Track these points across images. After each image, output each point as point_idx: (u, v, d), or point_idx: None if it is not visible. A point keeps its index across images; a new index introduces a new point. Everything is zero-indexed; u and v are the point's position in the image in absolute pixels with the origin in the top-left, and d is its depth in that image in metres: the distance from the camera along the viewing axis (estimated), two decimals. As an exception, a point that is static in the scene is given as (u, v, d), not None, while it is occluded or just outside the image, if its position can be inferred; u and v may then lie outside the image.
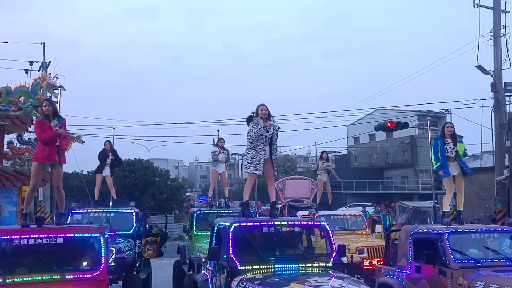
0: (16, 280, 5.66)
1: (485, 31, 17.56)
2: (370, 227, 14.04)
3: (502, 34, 17.36)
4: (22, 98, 12.51)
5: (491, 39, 17.44)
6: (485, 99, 18.53)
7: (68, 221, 10.45)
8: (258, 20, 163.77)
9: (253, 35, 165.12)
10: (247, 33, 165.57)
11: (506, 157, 17.33)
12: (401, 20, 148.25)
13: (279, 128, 7.61)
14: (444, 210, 8.22)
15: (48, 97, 15.14)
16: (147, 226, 12.44)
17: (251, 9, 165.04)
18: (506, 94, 17.39)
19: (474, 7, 17.59)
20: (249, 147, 7.41)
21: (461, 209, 8.14)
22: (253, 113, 7.52)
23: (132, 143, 43.51)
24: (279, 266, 6.31)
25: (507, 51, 17.30)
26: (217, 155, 13.11)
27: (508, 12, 17.65)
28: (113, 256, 8.58)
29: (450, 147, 8.01)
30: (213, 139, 14.09)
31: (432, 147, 8.25)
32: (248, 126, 7.47)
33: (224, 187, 13.64)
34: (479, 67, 17.27)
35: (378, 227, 15.28)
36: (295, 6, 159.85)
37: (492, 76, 17.25)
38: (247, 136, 7.46)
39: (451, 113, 22.75)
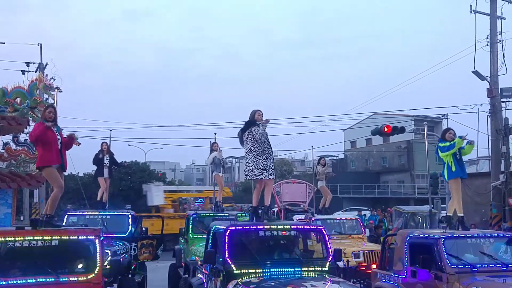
0: (10, 282, 5.63)
1: (481, 37, 17.68)
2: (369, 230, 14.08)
3: (498, 40, 17.44)
4: (18, 99, 12.45)
5: (487, 45, 17.53)
6: (481, 105, 18.64)
7: (64, 223, 10.45)
8: (256, 23, 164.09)
9: (251, 39, 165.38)
10: (246, 36, 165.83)
11: (501, 162, 17.39)
12: (398, 25, 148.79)
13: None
14: (460, 215, 8.07)
15: (45, 98, 15.11)
16: (143, 228, 12.40)
17: (249, 12, 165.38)
18: (502, 99, 17.46)
19: (471, 13, 17.68)
20: (258, 152, 7.42)
21: (456, 215, 8.12)
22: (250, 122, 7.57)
23: (129, 145, 43.51)
24: (275, 270, 6.30)
25: (504, 57, 17.41)
26: (218, 159, 13.19)
27: (504, 18, 17.74)
28: (108, 259, 8.54)
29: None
30: (210, 142, 14.04)
31: (438, 146, 8.15)
32: (250, 130, 7.47)
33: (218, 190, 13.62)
34: (476, 73, 17.34)
35: (367, 231, 15.31)
36: (294, 9, 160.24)
37: (488, 81, 17.33)
38: (254, 139, 7.45)
39: (447, 118, 22.87)
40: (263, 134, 7.45)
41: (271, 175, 7.48)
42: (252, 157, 7.46)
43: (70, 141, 7.01)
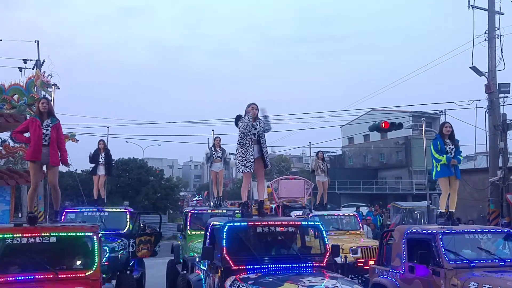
0: (8, 279, 5.64)
1: (479, 33, 17.63)
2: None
3: (496, 36, 17.41)
4: (16, 96, 12.46)
5: (485, 40, 17.48)
6: (479, 100, 18.57)
7: (62, 220, 10.45)
8: (253, 20, 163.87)
9: (248, 35, 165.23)
10: (243, 33, 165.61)
11: (499, 158, 17.39)
12: (396, 21, 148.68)
13: (267, 125, 7.52)
14: (441, 211, 8.20)
15: (42, 95, 15.07)
16: (141, 225, 12.40)
17: (245, 9, 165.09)
18: (500, 95, 17.42)
19: (469, 8, 17.62)
20: (238, 145, 7.42)
21: (453, 211, 8.11)
22: (240, 116, 7.53)
23: (127, 142, 43.45)
24: (273, 266, 6.30)
25: (502, 52, 17.36)
26: (208, 156, 13.20)
27: (502, 13, 17.68)
28: (106, 255, 8.55)
29: (450, 148, 8.01)
30: (208, 138, 14.05)
31: (432, 145, 8.22)
32: (237, 126, 7.48)
33: (219, 186, 13.59)
34: (474, 68, 17.31)
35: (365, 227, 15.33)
36: (291, 6, 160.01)
37: (486, 77, 17.30)
38: (239, 132, 7.46)
39: (445, 114, 22.86)
40: (246, 125, 7.27)
41: (248, 168, 7.28)
42: (236, 150, 7.50)
43: (58, 134, 6.91)
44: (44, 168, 7.02)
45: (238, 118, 7.48)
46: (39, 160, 6.70)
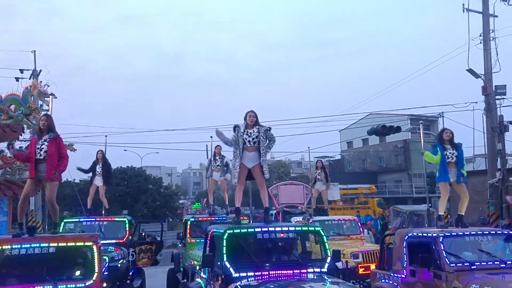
0: (7, 291, 5.60)
1: (475, 35, 17.72)
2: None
3: (491, 38, 17.49)
4: (12, 107, 12.44)
5: (481, 43, 17.57)
6: (476, 103, 18.61)
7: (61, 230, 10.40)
8: (250, 26, 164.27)
9: (245, 41, 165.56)
10: (240, 39, 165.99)
11: (498, 159, 17.40)
12: (391, 26, 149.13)
13: (267, 131, 7.46)
14: (440, 213, 8.22)
15: (39, 105, 15.05)
16: (143, 234, 12.32)
17: (243, 15, 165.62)
18: (497, 97, 17.48)
19: (463, 11, 17.72)
20: (233, 155, 7.55)
21: (463, 214, 8.07)
22: (237, 125, 7.56)
23: (125, 150, 43.31)
24: (274, 272, 6.27)
25: (497, 54, 17.43)
26: (207, 167, 13.17)
27: (496, 16, 17.79)
28: (106, 265, 8.50)
29: (451, 153, 8.02)
30: (206, 145, 13.96)
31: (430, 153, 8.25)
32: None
33: (223, 195, 13.51)
34: (470, 71, 17.37)
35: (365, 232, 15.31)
36: (288, 11, 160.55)
37: (482, 79, 17.36)
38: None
39: (443, 116, 22.90)
40: (236, 138, 7.43)
41: (235, 178, 7.64)
42: None
43: (58, 147, 6.88)
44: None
45: (235, 128, 7.51)
46: (34, 177, 6.75)
